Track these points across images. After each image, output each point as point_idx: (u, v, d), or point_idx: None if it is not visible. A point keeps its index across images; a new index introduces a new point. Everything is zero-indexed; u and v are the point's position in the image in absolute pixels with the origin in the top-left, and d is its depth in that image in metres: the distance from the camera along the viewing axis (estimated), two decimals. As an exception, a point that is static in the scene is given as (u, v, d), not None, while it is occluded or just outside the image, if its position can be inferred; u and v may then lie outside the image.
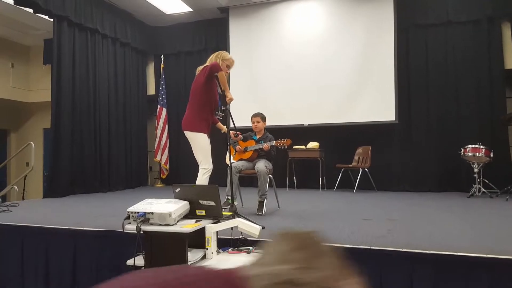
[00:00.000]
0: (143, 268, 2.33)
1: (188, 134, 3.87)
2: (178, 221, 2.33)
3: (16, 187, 6.58)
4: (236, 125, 4.35)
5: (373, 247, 2.59)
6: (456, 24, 6.83)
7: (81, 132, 6.95)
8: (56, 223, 3.58)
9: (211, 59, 3.95)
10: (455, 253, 2.43)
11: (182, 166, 8.34)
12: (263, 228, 3.19)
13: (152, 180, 9.08)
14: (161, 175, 8.66)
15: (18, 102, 9.44)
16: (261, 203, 4.22)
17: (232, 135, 4.06)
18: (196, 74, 3.95)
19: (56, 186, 6.38)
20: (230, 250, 2.52)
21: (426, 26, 7.03)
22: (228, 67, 3.98)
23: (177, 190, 2.50)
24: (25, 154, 8.40)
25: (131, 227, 2.29)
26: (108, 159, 7.53)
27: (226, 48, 7.81)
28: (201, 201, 2.46)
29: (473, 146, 5.83)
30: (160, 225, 2.27)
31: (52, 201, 5.85)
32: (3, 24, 8.06)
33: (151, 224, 2.29)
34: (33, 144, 6.18)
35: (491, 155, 5.80)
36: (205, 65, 3.91)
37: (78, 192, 6.74)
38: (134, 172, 8.29)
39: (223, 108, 3.86)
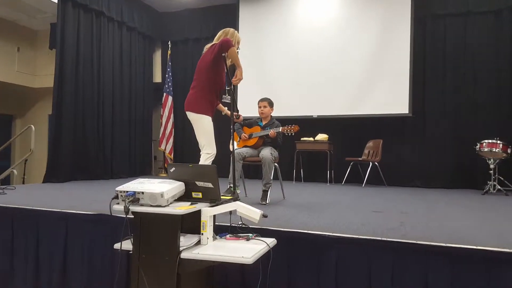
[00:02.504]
0: (131, 252, 2.14)
1: (192, 115, 3.62)
2: (171, 202, 2.13)
3: (15, 171, 6.43)
4: (243, 115, 4.14)
5: (385, 239, 2.37)
6: (476, 14, 6.52)
7: (84, 118, 6.78)
8: (48, 206, 3.41)
9: (219, 37, 3.71)
10: (474, 247, 2.21)
11: (187, 155, 8.16)
12: (266, 216, 2.98)
13: (157, 169, 8.92)
14: (165, 165, 8.49)
15: (23, 87, 9.31)
16: (265, 192, 4.01)
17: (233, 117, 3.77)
18: (204, 52, 3.71)
19: (56, 172, 6.25)
20: (228, 236, 2.31)
21: (444, 16, 6.73)
22: (238, 42, 3.72)
23: (172, 170, 2.29)
24: (29, 139, 8.28)
25: (119, 208, 2.08)
26: (112, 146, 7.37)
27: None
28: (197, 183, 2.25)
29: (490, 141, 5.56)
30: (151, 206, 2.07)
31: (51, 185, 5.70)
32: (10, 7, 7.91)
33: (141, 205, 2.08)
34: (33, 127, 6.01)
35: (509, 151, 5.54)
36: (213, 43, 3.67)
37: (80, 178, 6.61)
38: (138, 160, 8.12)
39: (227, 88, 3.61)
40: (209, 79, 3.60)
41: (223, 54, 3.50)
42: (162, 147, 8.34)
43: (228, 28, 3.79)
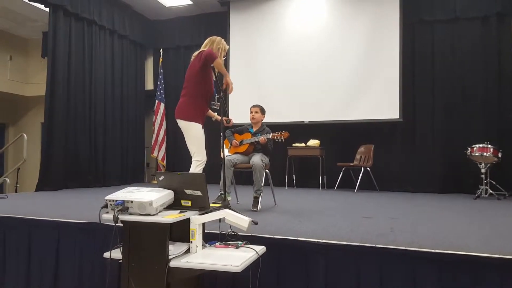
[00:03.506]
0: (120, 261, 2.14)
1: (182, 123, 3.65)
2: (160, 211, 2.14)
3: (8, 180, 6.40)
4: (234, 121, 4.17)
5: (374, 245, 2.39)
6: (464, 21, 6.61)
7: (76, 126, 6.78)
8: (40, 215, 3.40)
9: (206, 45, 3.76)
10: (463, 253, 2.23)
11: (180, 162, 8.15)
12: (256, 223, 2.99)
13: (149, 177, 8.91)
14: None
15: (16, 96, 9.30)
16: (256, 199, 4.02)
17: (224, 122, 3.80)
18: (192, 60, 3.74)
19: (48, 180, 6.23)
20: (217, 244, 2.33)
21: (432, 22, 6.82)
22: (224, 50, 3.82)
23: (160, 178, 2.30)
24: (22, 148, 8.26)
25: (108, 217, 2.09)
26: (103, 154, 7.36)
27: (226, 43, 7.62)
28: (186, 191, 2.27)
29: (481, 145, 5.60)
30: (140, 214, 2.08)
31: (43, 194, 5.68)
32: (1, 16, 7.91)
33: (131, 214, 2.10)
34: (25, 135, 5.99)
35: (499, 155, 5.58)
36: (200, 50, 3.71)
37: (72, 186, 6.59)
38: (130, 168, 8.12)
39: (217, 96, 3.65)
40: (198, 86, 3.65)
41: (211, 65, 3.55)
42: (155, 154, 8.34)
43: (214, 37, 3.85)
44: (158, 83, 8.42)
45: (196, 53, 3.71)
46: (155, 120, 8.37)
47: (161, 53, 8.52)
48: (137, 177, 8.37)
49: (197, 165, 3.64)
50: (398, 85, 6.71)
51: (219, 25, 8.02)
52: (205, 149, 3.70)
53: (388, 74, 6.76)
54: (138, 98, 8.46)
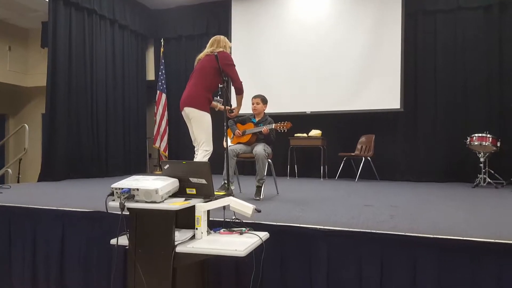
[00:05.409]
0: (127, 248, 2.19)
1: (195, 112, 3.69)
2: (165, 199, 2.18)
3: (10, 170, 6.44)
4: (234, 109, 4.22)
5: (375, 231, 2.43)
6: (466, 10, 6.60)
7: (78, 116, 6.80)
8: (44, 204, 3.45)
9: (212, 44, 3.85)
10: (461, 238, 2.28)
11: (182, 152, 8.21)
12: (259, 211, 3.04)
13: (151, 167, 8.95)
14: (160, 162, 8.52)
15: (16, 86, 9.28)
16: (259, 188, 4.07)
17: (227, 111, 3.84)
18: (208, 52, 3.79)
19: (51, 170, 6.27)
20: (222, 230, 2.37)
21: (435, 11, 6.80)
22: (230, 47, 3.96)
23: (166, 167, 2.34)
24: (23, 138, 8.30)
25: (114, 204, 2.13)
26: (106, 144, 7.40)
27: (228, 32, 7.63)
28: (191, 179, 2.30)
29: (480, 135, 5.66)
30: (146, 202, 2.12)
31: (46, 184, 5.73)
32: (0, 5, 7.88)
33: (136, 201, 2.14)
34: (27, 126, 6.03)
35: (498, 144, 5.63)
36: (220, 50, 3.76)
37: (75, 176, 6.63)
38: (132, 158, 8.16)
39: (220, 86, 3.69)
40: (212, 80, 3.74)
41: (215, 54, 3.61)
42: (157, 144, 8.38)
43: (218, 36, 3.94)
44: (160, 73, 8.43)
45: (217, 50, 3.76)
46: (156, 110, 8.39)
47: (162, 43, 8.51)
48: (140, 168, 8.42)
49: (205, 155, 3.70)
50: (400, 75, 6.73)
51: (221, 14, 8.02)
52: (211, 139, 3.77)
53: (390, 64, 6.77)
54: (140, 89, 8.47)
